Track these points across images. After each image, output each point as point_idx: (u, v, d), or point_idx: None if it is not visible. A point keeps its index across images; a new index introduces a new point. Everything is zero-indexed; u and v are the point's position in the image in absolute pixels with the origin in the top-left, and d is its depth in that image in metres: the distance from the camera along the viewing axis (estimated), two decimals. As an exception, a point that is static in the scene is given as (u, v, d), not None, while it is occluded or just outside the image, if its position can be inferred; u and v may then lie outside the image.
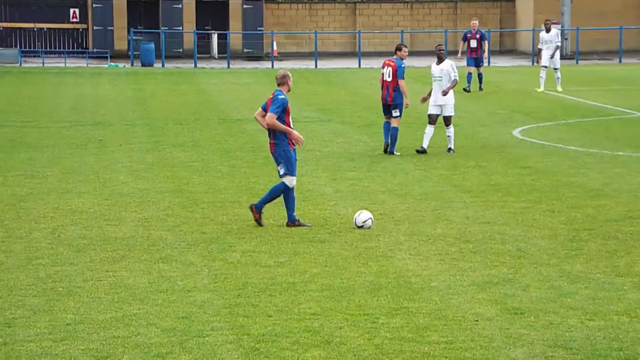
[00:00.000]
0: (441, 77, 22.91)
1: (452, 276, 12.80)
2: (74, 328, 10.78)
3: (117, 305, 11.57)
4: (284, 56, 57.97)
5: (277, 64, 52.91)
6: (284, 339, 10.43)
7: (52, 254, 13.96)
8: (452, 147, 23.23)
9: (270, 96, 15.60)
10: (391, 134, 22.72)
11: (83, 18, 58.25)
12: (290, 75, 15.70)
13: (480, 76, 37.11)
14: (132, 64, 52.73)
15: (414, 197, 17.96)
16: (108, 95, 37.16)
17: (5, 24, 57.85)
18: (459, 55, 38.49)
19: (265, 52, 57.53)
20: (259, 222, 15.57)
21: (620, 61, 52.84)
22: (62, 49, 57.04)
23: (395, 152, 22.65)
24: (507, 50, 61.56)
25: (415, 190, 18.54)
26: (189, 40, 56.35)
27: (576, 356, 9.93)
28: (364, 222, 15.41)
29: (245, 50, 58.32)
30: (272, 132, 15.54)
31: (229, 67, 51.93)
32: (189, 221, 16.03)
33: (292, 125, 15.66)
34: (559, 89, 36.15)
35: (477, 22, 38.39)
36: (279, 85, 15.62)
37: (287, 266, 13.30)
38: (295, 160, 15.70)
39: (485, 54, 37.79)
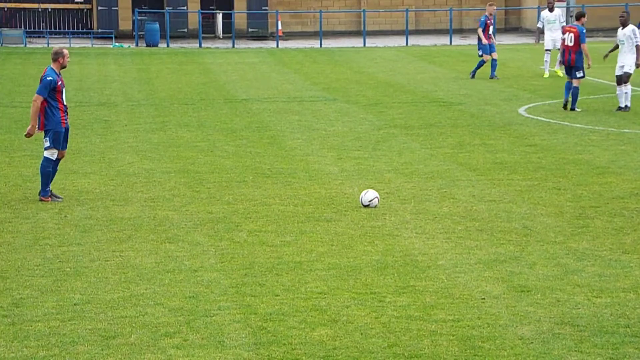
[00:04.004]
0: (623, 41, 25.68)
1: (458, 254, 12.82)
2: (82, 308, 10.81)
3: (124, 285, 11.60)
4: (289, 35, 57.86)
5: (282, 44, 52.84)
6: (291, 318, 10.45)
7: (58, 234, 13.99)
8: (629, 104, 25.57)
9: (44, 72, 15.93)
10: (572, 93, 25.72)
11: (87, -2, 58.14)
12: (65, 53, 15.89)
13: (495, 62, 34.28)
14: (136, 44, 52.66)
15: (419, 175, 17.96)
16: (113, 76, 37.15)
17: (9, 5, 57.76)
18: (484, 41, 34.23)
19: (270, 31, 57.42)
20: (57, 199, 15.85)
21: (626, 38, 52.64)
22: (66, 30, 56.96)
23: (576, 109, 25.62)
24: (512, 28, 61.41)
25: (421, 169, 18.54)
26: (194, 20, 56.24)
27: (583, 333, 9.95)
28: (370, 201, 15.42)
29: (250, 29, 58.20)
30: (45, 109, 15.88)
31: (233, 46, 51.86)
32: (195, 201, 16.05)
33: (65, 103, 15.92)
34: (561, 73, 33.84)
35: (495, 5, 35.24)
36: (52, 61, 15.92)
37: (294, 245, 13.32)
38: (63, 135, 15.92)
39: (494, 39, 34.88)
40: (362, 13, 56.22)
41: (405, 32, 53.84)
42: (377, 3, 60.76)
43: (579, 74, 25.83)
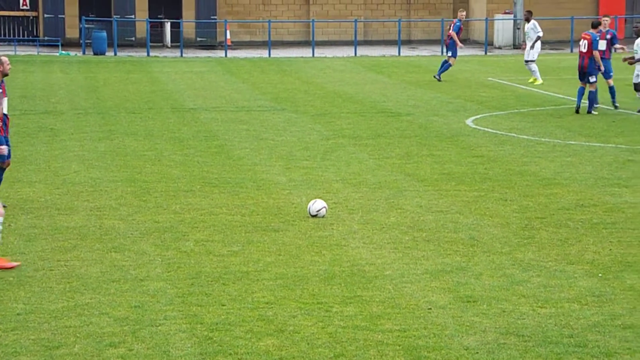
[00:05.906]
0: (637, 50, 27.31)
1: (405, 265, 12.84)
2: (25, 318, 10.69)
3: (69, 295, 11.49)
4: (238, 45, 57.80)
5: (231, 53, 52.77)
6: (238, 327, 10.41)
7: (2, 243, 13.82)
8: None
9: None
10: (588, 97, 27.35)
11: (33, 5, 57.68)
12: (3, 60, 15.67)
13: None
14: (83, 53, 52.33)
15: (367, 186, 18.00)
16: (59, 84, 36.88)
17: (-46, 11, 57.16)
18: (460, 45, 38.06)
19: (219, 40, 57.31)
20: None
21: (571, 51, 53.16)
22: (12, 37, 56.45)
23: (593, 112, 27.27)
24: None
25: (369, 179, 18.57)
26: (142, 28, 55.99)
27: (528, 343, 10.01)
28: (317, 211, 15.42)
29: (198, 38, 58.05)
30: None
31: (182, 55, 51.71)
32: (142, 210, 15.95)
33: (5, 113, 15.68)
34: (538, 81, 35.37)
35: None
36: None
37: (241, 255, 13.28)
38: (4, 142, 15.62)
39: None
40: (310, 23, 56.32)
41: (354, 43, 53.99)
42: (326, 13, 60.90)
43: (592, 79, 27.29)
